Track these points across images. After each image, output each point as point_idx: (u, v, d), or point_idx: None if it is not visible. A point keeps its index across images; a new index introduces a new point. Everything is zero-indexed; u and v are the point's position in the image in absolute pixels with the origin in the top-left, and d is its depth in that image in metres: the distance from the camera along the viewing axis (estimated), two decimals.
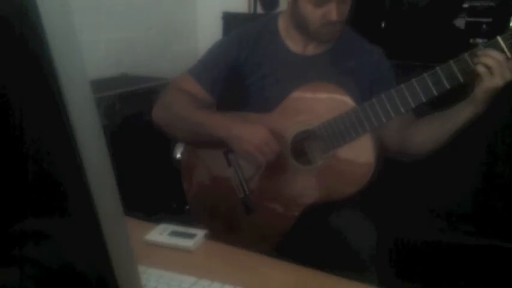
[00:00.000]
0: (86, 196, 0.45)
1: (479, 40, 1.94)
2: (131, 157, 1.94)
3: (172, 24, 2.79)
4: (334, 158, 1.29)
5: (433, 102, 1.22)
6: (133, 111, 2.13)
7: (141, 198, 1.74)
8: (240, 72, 1.40)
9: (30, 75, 0.44)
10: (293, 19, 1.36)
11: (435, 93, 1.19)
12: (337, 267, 0.90)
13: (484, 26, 1.98)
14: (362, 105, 1.26)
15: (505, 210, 1.86)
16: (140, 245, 0.99)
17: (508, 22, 1.86)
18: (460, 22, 2.05)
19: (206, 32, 2.74)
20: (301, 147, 1.36)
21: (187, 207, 1.49)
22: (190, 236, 1.01)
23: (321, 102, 1.32)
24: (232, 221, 1.39)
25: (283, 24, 1.42)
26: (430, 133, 1.30)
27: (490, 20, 1.97)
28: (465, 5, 2.03)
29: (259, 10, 2.56)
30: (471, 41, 1.97)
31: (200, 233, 1.01)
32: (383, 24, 2.17)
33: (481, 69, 1.14)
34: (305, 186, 1.31)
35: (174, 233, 1.02)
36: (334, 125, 1.27)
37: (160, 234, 1.01)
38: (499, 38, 1.13)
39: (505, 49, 1.13)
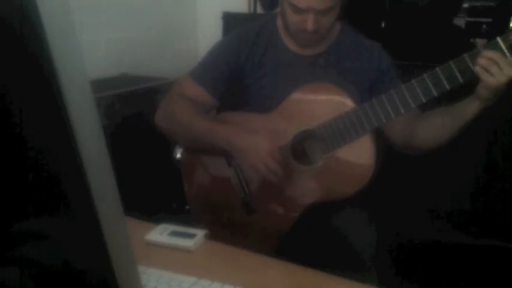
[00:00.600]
0: (86, 196, 0.45)
1: (479, 40, 1.94)
2: (131, 157, 1.93)
3: (172, 24, 2.79)
4: (334, 158, 1.29)
5: (440, 97, 1.22)
6: (133, 111, 2.13)
7: (141, 198, 1.74)
8: (240, 72, 1.40)
9: (30, 75, 0.44)
10: (281, 18, 1.37)
11: (435, 94, 1.19)
12: (338, 267, 0.90)
13: (484, 26, 1.97)
14: (362, 105, 1.26)
15: (505, 210, 1.86)
16: (140, 245, 0.99)
17: (508, 22, 1.86)
18: (460, 22, 2.05)
19: (206, 32, 2.74)
20: (301, 148, 1.36)
21: (187, 207, 1.49)
22: (190, 236, 1.01)
23: (321, 103, 1.32)
24: (232, 221, 1.39)
25: (281, 25, 1.42)
26: (434, 129, 1.30)
27: (490, 20, 1.96)
28: (465, 5, 2.03)
29: (259, 10, 2.56)
30: (471, 41, 1.97)
31: (200, 233, 1.01)
32: (383, 24, 2.17)
33: (479, 70, 1.13)
34: (305, 187, 1.31)
35: (174, 233, 1.02)
36: (334, 125, 1.27)
37: (160, 234, 1.01)
38: (499, 39, 1.13)
39: (505, 50, 1.13)
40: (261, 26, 1.44)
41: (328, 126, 1.28)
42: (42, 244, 0.52)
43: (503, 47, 1.13)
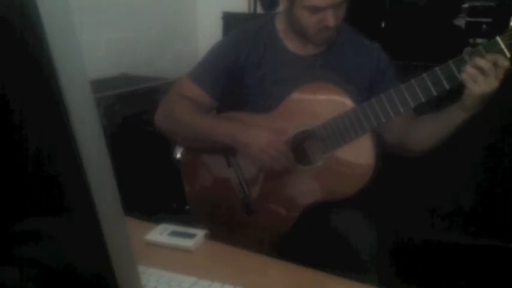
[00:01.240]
0: (86, 196, 0.45)
1: (479, 40, 1.94)
2: (131, 157, 1.94)
3: (172, 24, 2.79)
4: (334, 158, 1.29)
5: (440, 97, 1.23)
6: (133, 111, 2.13)
7: (141, 198, 1.74)
8: (240, 72, 1.40)
9: (30, 75, 0.44)
10: (290, 23, 1.36)
11: (434, 93, 1.19)
12: (337, 267, 0.90)
13: (484, 26, 1.97)
14: (361, 105, 1.26)
15: (505, 210, 1.86)
16: (140, 245, 0.99)
17: (508, 22, 1.86)
18: (460, 22, 2.05)
19: (206, 32, 2.74)
20: (301, 148, 1.36)
21: (187, 207, 1.49)
22: (190, 236, 1.01)
23: (321, 103, 1.32)
24: (232, 221, 1.39)
25: (281, 26, 1.42)
26: (425, 133, 1.32)
27: (490, 20, 1.96)
28: (465, 5, 2.03)
29: (259, 10, 2.56)
30: (471, 41, 1.97)
31: (200, 233, 1.01)
32: (383, 24, 2.17)
33: (465, 77, 1.14)
34: (305, 187, 1.31)
35: (174, 233, 1.02)
36: (333, 126, 1.27)
37: (160, 234, 1.01)
38: (498, 38, 1.13)
39: (505, 49, 1.13)
40: (261, 26, 1.44)
41: (328, 126, 1.28)
42: (42, 244, 0.52)
43: (503, 47, 1.13)
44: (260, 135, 1.27)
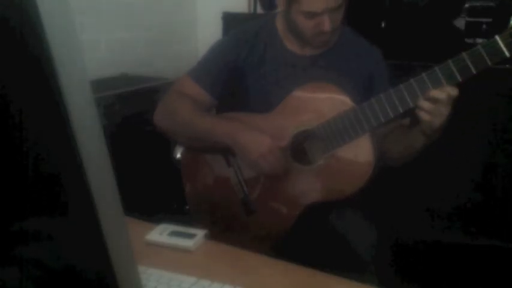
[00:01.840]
0: (86, 196, 0.45)
1: (479, 40, 1.94)
2: (131, 157, 1.94)
3: (172, 24, 2.79)
4: (334, 158, 1.29)
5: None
6: (133, 111, 2.13)
7: (141, 198, 1.74)
8: (240, 72, 1.40)
9: (30, 76, 0.44)
10: (288, 25, 1.37)
11: None
12: (337, 267, 0.90)
13: (484, 26, 1.98)
14: (361, 105, 1.26)
15: (505, 210, 1.86)
16: (140, 245, 0.99)
17: (508, 22, 1.86)
18: (460, 22, 2.05)
19: (206, 32, 2.74)
20: (301, 147, 1.36)
21: (187, 207, 1.49)
22: (190, 236, 1.01)
23: (321, 102, 1.32)
24: (232, 221, 1.39)
25: (281, 26, 1.42)
26: (395, 147, 1.35)
27: (490, 20, 1.97)
28: (465, 5, 2.03)
29: (259, 10, 2.56)
30: (471, 41, 1.97)
31: (200, 233, 1.02)
32: (383, 24, 2.17)
33: (419, 113, 1.17)
34: (305, 186, 1.31)
35: (174, 233, 1.02)
36: (333, 125, 1.27)
37: (160, 234, 1.01)
38: (498, 38, 1.13)
39: (504, 49, 1.13)
40: (261, 26, 1.44)
41: (328, 126, 1.28)
42: (42, 244, 0.52)
43: (502, 46, 1.13)
44: (259, 140, 1.26)
